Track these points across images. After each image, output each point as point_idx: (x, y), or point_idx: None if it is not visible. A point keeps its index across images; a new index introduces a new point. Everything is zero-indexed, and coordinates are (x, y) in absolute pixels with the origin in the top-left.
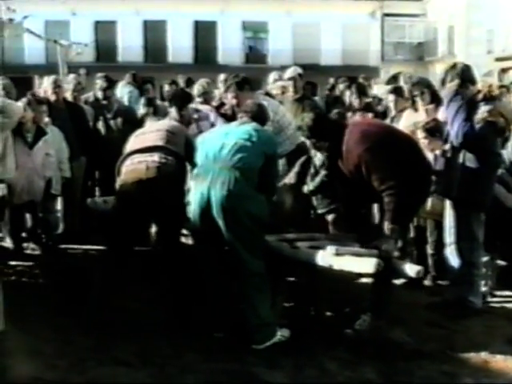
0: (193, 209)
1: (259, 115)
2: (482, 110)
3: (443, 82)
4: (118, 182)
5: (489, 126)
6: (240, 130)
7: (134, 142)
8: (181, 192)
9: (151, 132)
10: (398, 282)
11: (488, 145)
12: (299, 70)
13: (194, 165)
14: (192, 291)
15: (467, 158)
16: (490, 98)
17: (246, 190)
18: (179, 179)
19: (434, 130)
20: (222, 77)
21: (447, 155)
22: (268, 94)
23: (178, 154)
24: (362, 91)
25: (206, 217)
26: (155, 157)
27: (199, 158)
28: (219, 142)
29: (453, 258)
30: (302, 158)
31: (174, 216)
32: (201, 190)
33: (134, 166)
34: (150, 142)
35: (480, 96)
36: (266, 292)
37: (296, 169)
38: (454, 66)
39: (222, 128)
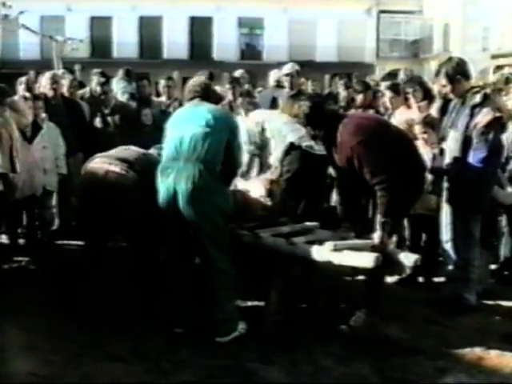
0: (160, 204)
1: (209, 94)
2: (485, 112)
3: (437, 74)
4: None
5: (498, 127)
6: (196, 116)
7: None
8: (138, 205)
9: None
10: (392, 279)
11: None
12: (297, 67)
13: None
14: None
15: (472, 161)
16: (486, 98)
17: (211, 183)
18: (136, 193)
19: (433, 123)
20: (238, 73)
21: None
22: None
23: (141, 170)
24: (365, 88)
25: (174, 212)
26: (118, 167)
27: (165, 151)
28: (178, 134)
29: (449, 255)
30: (283, 147)
31: (133, 227)
32: (166, 185)
33: (93, 165)
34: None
35: (477, 99)
36: (230, 289)
37: (280, 157)
38: (449, 60)
39: (178, 115)
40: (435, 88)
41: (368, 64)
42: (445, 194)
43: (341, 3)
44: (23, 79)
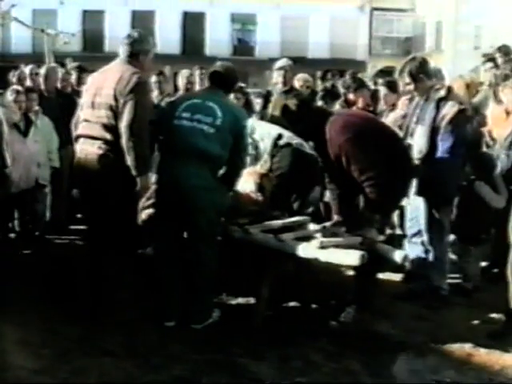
0: (158, 191)
1: (227, 81)
2: (450, 105)
3: (401, 72)
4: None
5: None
6: (203, 112)
7: (84, 112)
8: (122, 182)
9: (98, 108)
10: (383, 275)
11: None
12: (290, 62)
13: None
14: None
15: (439, 151)
16: (449, 92)
17: (212, 183)
18: (118, 171)
19: None
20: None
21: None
22: None
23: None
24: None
25: (170, 207)
26: (95, 147)
27: (167, 139)
28: (182, 128)
29: (413, 248)
30: (274, 135)
31: (117, 206)
32: (168, 176)
33: (77, 154)
34: (94, 125)
35: (442, 93)
36: (211, 282)
37: (268, 150)
38: (413, 59)
39: (185, 104)
40: (400, 85)
41: (360, 61)
42: (414, 188)
43: (334, 0)
44: (16, 73)
